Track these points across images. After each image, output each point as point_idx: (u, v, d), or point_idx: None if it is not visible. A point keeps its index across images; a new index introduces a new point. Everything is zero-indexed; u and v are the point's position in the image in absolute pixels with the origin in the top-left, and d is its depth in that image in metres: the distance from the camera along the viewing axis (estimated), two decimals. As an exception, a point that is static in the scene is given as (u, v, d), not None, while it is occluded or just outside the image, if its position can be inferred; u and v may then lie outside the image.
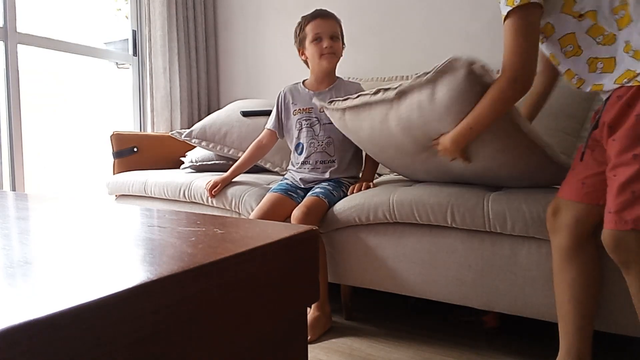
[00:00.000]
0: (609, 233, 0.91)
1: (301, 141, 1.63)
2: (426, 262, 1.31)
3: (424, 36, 2.21)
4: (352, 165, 1.62)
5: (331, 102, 1.42)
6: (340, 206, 1.43)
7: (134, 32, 2.70)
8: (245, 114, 2.12)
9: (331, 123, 1.58)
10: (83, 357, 0.30)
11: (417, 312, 1.59)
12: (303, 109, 1.64)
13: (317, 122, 1.61)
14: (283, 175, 1.81)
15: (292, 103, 1.66)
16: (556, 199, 1.07)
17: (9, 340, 0.26)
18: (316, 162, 1.60)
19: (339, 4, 2.39)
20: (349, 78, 2.01)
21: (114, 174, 2.21)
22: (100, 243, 0.49)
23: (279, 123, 1.70)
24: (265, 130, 1.72)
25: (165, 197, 1.89)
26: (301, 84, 1.69)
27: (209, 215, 0.63)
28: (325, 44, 1.55)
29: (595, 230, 1.01)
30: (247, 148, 2.01)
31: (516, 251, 1.19)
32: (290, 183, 1.62)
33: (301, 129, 1.63)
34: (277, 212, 1.49)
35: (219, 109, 2.57)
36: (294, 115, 1.65)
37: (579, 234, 1.02)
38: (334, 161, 1.59)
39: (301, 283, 0.52)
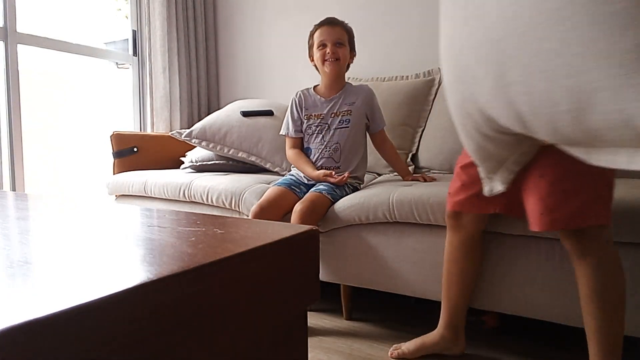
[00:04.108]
0: (566, 236, 0.97)
1: (310, 146, 1.65)
2: (426, 262, 1.31)
3: (424, 36, 2.21)
4: (357, 169, 1.63)
5: None
6: (341, 205, 1.43)
7: (134, 32, 2.70)
8: (245, 114, 2.12)
9: (340, 128, 1.61)
10: (83, 357, 0.30)
11: (417, 312, 1.59)
12: (315, 114, 1.65)
13: (327, 128, 1.63)
14: (283, 175, 1.81)
15: (305, 108, 1.67)
16: (455, 212, 1.16)
17: (9, 340, 0.26)
18: (322, 167, 1.60)
19: (339, 5, 2.40)
20: (349, 78, 2.01)
21: (114, 174, 2.21)
22: (100, 243, 0.49)
23: (301, 127, 1.68)
24: (290, 139, 1.69)
25: (165, 197, 1.89)
26: (312, 89, 1.71)
27: (209, 215, 0.63)
28: (328, 49, 1.59)
29: (484, 230, 1.18)
30: (247, 148, 2.02)
31: (516, 251, 1.19)
32: (295, 178, 1.63)
33: (312, 134, 1.65)
34: (279, 204, 1.50)
35: (219, 109, 2.57)
36: (306, 120, 1.66)
37: (473, 233, 1.17)
38: (339, 167, 1.60)
39: (301, 283, 0.52)
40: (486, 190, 1.01)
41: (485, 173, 0.99)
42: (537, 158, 0.95)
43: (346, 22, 1.67)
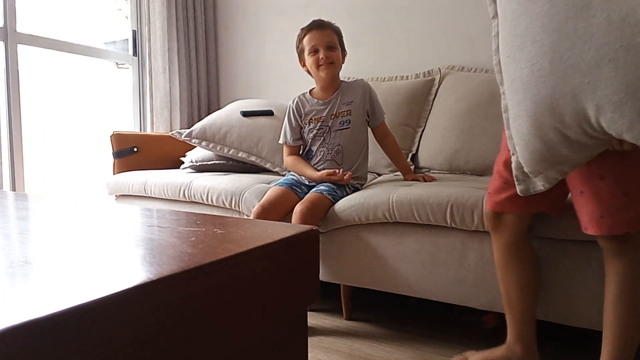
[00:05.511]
0: (607, 237, 0.93)
1: (312, 148, 1.65)
2: (426, 262, 1.31)
3: (424, 36, 2.21)
4: (358, 170, 1.63)
5: None
6: (341, 205, 1.43)
7: (134, 32, 2.70)
8: (245, 114, 2.12)
9: (341, 129, 1.60)
10: (83, 357, 0.30)
11: (417, 312, 1.59)
12: (315, 118, 1.64)
13: (328, 130, 1.62)
14: (283, 175, 1.81)
15: (304, 113, 1.66)
16: (496, 213, 1.10)
17: (9, 340, 0.26)
18: (324, 169, 1.59)
19: (339, 5, 2.40)
20: (348, 78, 2.01)
21: (114, 174, 2.21)
22: (100, 243, 0.49)
23: (301, 135, 1.68)
24: (289, 147, 1.69)
25: (165, 197, 1.89)
26: (308, 93, 1.69)
27: (209, 215, 0.63)
28: (321, 54, 1.56)
29: (531, 227, 1.11)
30: (247, 148, 2.02)
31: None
32: (296, 179, 1.62)
33: (313, 137, 1.64)
34: (280, 204, 1.50)
35: (219, 109, 2.56)
36: (306, 125, 1.65)
37: (518, 234, 1.09)
38: (341, 169, 1.59)
39: (301, 283, 0.52)
40: (521, 189, 0.95)
41: (528, 172, 0.93)
42: (596, 159, 0.89)
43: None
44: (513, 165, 0.95)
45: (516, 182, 0.96)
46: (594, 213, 0.92)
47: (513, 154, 0.94)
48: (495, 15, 0.88)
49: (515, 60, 0.82)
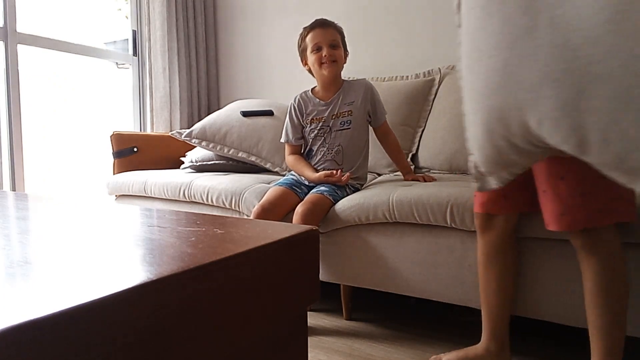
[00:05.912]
0: (575, 233, 0.98)
1: (313, 148, 1.65)
2: (426, 262, 1.31)
3: (424, 36, 2.21)
4: (358, 170, 1.63)
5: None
6: (341, 206, 1.43)
7: (134, 32, 2.70)
8: (245, 114, 2.12)
9: (341, 129, 1.60)
10: (83, 357, 0.30)
11: (417, 312, 1.59)
12: (316, 118, 1.64)
13: (328, 130, 1.62)
14: (283, 175, 1.81)
15: (306, 113, 1.65)
16: (485, 215, 1.13)
17: (9, 340, 0.26)
18: (324, 169, 1.59)
19: (339, 5, 2.40)
20: (349, 78, 2.01)
21: (114, 174, 2.21)
22: (100, 243, 0.49)
23: (302, 134, 1.67)
24: (290, 146, 1.69)
25: (165, 197, 1.89)
26: (310, 92, 1.69)
27: (209, 215, 0.63)
28: (324, 52, 1.56)
29: (515, 231, 1.14)
30: (247, 148, 2.02)
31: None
32: (296, 179, 1.62)
33: (314, 137, 1.63)
34: (280, 204, 1.49)
35: (219, 109, 2.57)
36: (307, 124, 1.65)
37: (504, 235, 1.13)
38: (342, 169, 1.59)
39: (301, 283, 0.52)
40: (477, 186, 1.00)
41: (483, 171, 0.98)
42: (556, 160, 0.94)
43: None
44: (471, 164, 1.00)
45: (474, 180, 1.01)
46: (556, 211, 0.97)
47: (471, 155, 0.99)
48: (460, 25, 0.92)
49: (474, 72, 0.87)
